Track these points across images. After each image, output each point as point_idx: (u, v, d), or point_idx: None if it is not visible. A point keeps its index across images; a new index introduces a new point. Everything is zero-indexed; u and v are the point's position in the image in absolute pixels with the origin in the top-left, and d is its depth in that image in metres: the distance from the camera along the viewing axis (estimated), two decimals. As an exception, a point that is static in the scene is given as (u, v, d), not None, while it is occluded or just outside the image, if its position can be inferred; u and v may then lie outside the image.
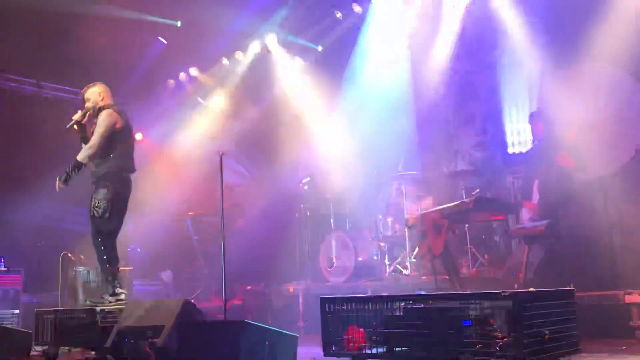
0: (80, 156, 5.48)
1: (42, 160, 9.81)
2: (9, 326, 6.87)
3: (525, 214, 6.40)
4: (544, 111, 7.17)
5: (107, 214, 5.45)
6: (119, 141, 5.63)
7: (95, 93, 5.77)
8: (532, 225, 6.22)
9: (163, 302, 4.39)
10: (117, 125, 5.61)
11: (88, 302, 5.46)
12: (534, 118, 6.75)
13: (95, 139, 5.50)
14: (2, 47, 8.84)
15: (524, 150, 8.16)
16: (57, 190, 5.50)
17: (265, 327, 3.73)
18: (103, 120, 5.56)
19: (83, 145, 5.75)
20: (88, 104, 5.78)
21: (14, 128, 10.01)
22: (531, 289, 3.30)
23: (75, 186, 5.72)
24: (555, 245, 6.01)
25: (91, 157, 5.50)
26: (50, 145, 10.07)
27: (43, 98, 10.71)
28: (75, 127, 5.70)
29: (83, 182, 5.78)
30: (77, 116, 5.72)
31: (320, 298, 3.45)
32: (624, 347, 4.80)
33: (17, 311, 8.11)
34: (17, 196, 9.59)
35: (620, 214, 6.75)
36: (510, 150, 8.49)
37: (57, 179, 5.48)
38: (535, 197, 6.31)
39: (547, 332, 2.90)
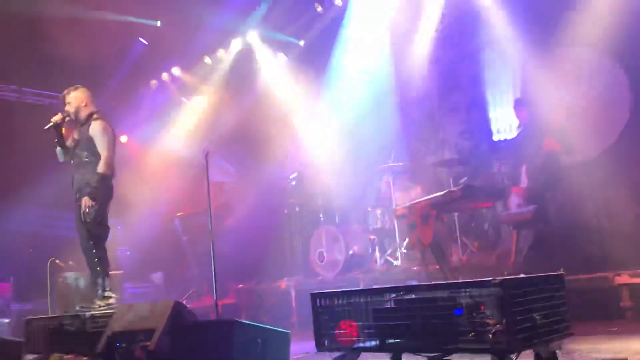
0: (103, 169, 5.52)
1: (27, 167, 9.74)
2: (-1, 336, 6.81)
3: (513, 200, 6.42)
4: (527, 97, 7.19)
5: (98, 219, 5.50)
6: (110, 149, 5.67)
7: (77, 98, 5.75)
8: (519, 211, 6.25)
9: (153, 305, 4.35)
10: (111, 137, 5.67)
11: (78, 308, 5.42)
12: (518, 104, 6.77)
13: (107, 152, 5.56)
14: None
15: (509, 137, 8.19)
16: (88, 207, 5.44)
17: (257, 325, 3.71)
18: (103, 133, 5.61)
19: (58, 148, 5.74)
20: (68, 108, 5.74)
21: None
22: (521, 275, 3.31)
23: (61, 193, 5.69)
24: (543, 230, 6.04)
25: (112, 168, 5.60)
26: (34, 151, 9.99)
27: (25, 104, 10.60)
28: (53, 129, 5.65)
29: (68, 188, 5.75)
30: (56, 118, 5.68)
31: (311, 293, 3.43)
32: (615, 328, 4.85)
33: (7, 320, 8.04)
34: (3, 204, 9.50)
35: (607, 197, 6.81)
36: (495, 137, 8.52)
37: (88, 198, 5.44)
38: (524, 182, 6.33)
39: (538, 317, 2.90)
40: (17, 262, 9.28)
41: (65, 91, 5.82)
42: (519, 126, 7.12)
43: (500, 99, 8.41)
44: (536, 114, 6.52)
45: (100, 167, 5.52)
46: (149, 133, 11.41)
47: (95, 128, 5.62)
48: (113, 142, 5.67)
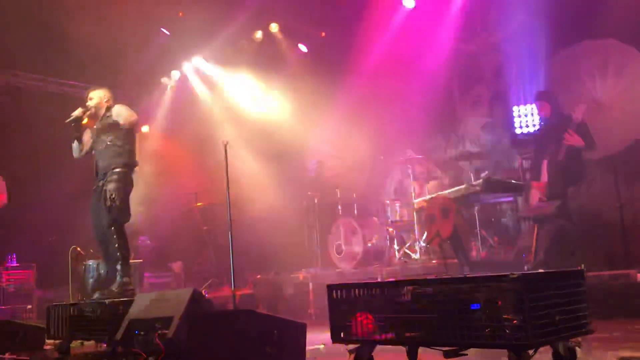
0: (123, 121, 5.62)
1: (52, 156, 9.86)
2: (22, 321, 6.93)
3: (534, 195, 6.33)
4: (550, 90, 7.07)
5: (123, 204, 5.58)
6: (132, 137, 5.80)
7: (100, 95, 5.90)
8: (541, 206, 6.16)
9: (172, 293, 4.39)
10: (134, 118, 5.74)
11: (97, 295, 5.50)
12: (540, 98, 6.65)
13: (131, 116, 5.66)
14: (7, 43, 8.84)
15: (531, 131, 8.08)
16: (115, 193, 5.53)
17: (273, 316, 3.72)
18: (127, 109, 5.72)
19: (74, 143, 5.83)
20: (90, 103, 5.85)
21: (20, 124, 10.04)
22: (540, 270, 3.27)
23: (85, 180, 5.77)
24: (565, 225, 5.95)
25: (129, 117, 5.65)
26: (58, 141, 10.12)
27: (49, 93, 10.73)
28: (73, 123, 5.74)
29: (90, 176, 5.81)
30: (77, 112, 5.79)
31: (327, 285, 3.42)
32: (637, 327, 4.77)
33: (29, 306, 8.18)
34: (28, 192, 9.65)
35: (631, 193, 6.70)
36: (518, 131, 8.41)
37: (114, 182, 5.55)
38: (544, 177, 6.24)
39: (557, 313, 2.86)
40: (40, 249, 9.42)
41: (90, 88, 6.00)
42: (540, 120, 6.99)
43: (523, 93, 8.30)
44: (558, 108, 6.40)
45: (122, 121, 5.60)
46: (170, 123, 11.47)
47: (117, 108, 5.73)
48: (134, 116, 5.73)
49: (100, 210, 5.64)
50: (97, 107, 5.86)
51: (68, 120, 5.76)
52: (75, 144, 5.88)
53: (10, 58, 9.65)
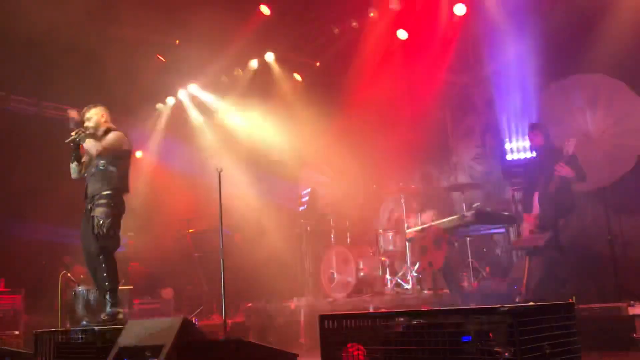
0: (90, 141, 5.53)
1: (43, 179, 9.84)
2: (9, 347, 6.83)
3: (526, 227, 6.37)
4: (542, 122, 7.16)
5: (111, 231, 5.47)
6: (124, 162, 5.72)
7: (97, 114, 5.81)
8: (532, 238, 6.20)
9: (162, 321, 4.35)
10: (125, 147, 5.70)
11: (85, 322, 5.43)
12: (532, 129, 6.74)
13: (108, 142, 5.58)
14: (2, 67, 8.89)
15: (522, 161, 8.15)
16: (102, 220, 5.47)
17: (264, 346, 3.71)
18: (114, 138, 5.65)
19: (73, 164, 5.77)
20: (88, 123, 5.78)
21: (15, 147, 10.03)
22: (531, 303, 3.28)
23: (75, 205, 5.72)
24: (556, 257, 5.98)
25: (92, 148, 5.55)
26: (51, 164, 10.11)
27: (43, 117, 10.75)
28: (72, 144, 5.71)
29: (81, 200, 5.77)
30: (75, 133, 5.71)
31: (319, 315, 3.43)
32: (627, 360, 4.77)
33: (17, 332, 8.07)
34: (18, 216, 9.59)
35: (621, 225, 6.75)
36: (509, 160, 8.47)
37: (100, 209, 5.49)
38: (535, 209, 6.28)
39: (547, 346, 2.86)
40: (30, 275, 9.33)
41: (85, 108, 5.87)
42: (532, 151, 7.06)
43: (515, 124, 8.40)
44: (550, 140, 6.49)
45: (90, 141, 5.54)
46: (163, 150, 11.50)
47: (110, 135, 5.67)
48: (119, 145, 5.63)
49: (89, 236, 5.56)
50: (96, 127, 5.76)
51: (68, 140, 5.66)
52: (74, 165, 5.78)
53: (4, 81, 9.68)
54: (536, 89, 7.99)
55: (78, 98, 6.17)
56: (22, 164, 9.92)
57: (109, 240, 5.47)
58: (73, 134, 5.68)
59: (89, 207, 5.56)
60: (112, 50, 9.16)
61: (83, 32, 8.80)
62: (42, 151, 10.18)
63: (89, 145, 5.55)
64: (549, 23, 7.62)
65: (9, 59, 8.76)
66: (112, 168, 5.62)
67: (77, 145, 5.74)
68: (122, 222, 5.72)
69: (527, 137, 7.36)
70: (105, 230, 5.42)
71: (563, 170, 5.98)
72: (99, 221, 5.42)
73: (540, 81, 7.91)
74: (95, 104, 5.92)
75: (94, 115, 5.79)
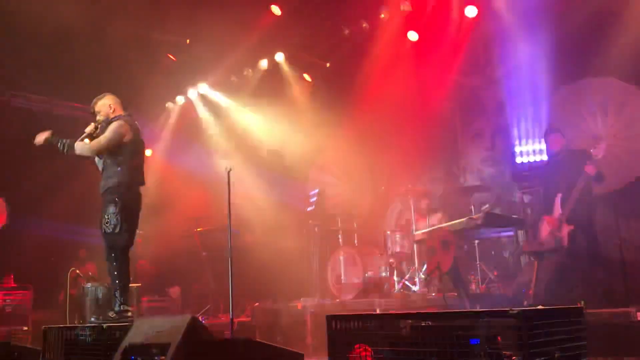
0: (79, 145, 5.50)
1: (52, 177, 9.91)
2: (18, 343, 6.88)
3: (545, 228, 6.28)
4: (560, 126, 7.08)
5: (117, 229, 5.37)
6: (128, 154, 5.54)
7: (105, 105, 5.73)
8: (551, 240, 6.12)
9: (169, 319, 4.36)
10: (126, 138, 5.51)
11: (92, 319, 5.45)
12: (553, 132, 6.62)
13: (100, 141, 5.48)
14: (12, 64, 8.94)
15: (533, 164, 8.11)
16: (36, 142, 5.60)
17: (271, 345, 3.71)
18: (111, 130, 5.50)
19: (96, 158, 5.70)
20: (99, 117, 5.75)
21: (25, 145, 10.09)
22: (539, 307, 3.27)
23: (84, 203, 5.74)
24: (565, 261, 5.95)
25: (85, 152, 5.52)
26: (60, 162, 10.17)
27: (54, 115, 10.81)
28: (88, 140, 5.68)
29: (96, 198, 5.75)
30: (89, 129, 5.68)
31: (327, 316, 3.42)
32: (636, 366, 4.73)
33: (25, 328, 8.12)
34: (28, 212, 9.66)
35: (631, 230, 6.70)
36: (518, 163, 8.43)
37: (49, 135, 5.57)
38: (557, 211, 6.18)
39: (556, 350, 2.85)
40: (39, 271, 9.39)
41: (93, 101, 5.82)
42: (551, 154, 6.90)
43: (525, 127, 8.37)
44: (569, 143, 6.43)
45: (79, 143, 5.49)
46: (173, 148, 11.53)
47: (110, 126, 5.54)
48: (116, 137, 5.47)
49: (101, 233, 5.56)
50: (106, 118, 5.70)
51: (81, 138, 5.63)
52: (96, 159, 5.72)
53: (16, 80, 9.74)
54: (547, 92, 7.95)
55: (88, 96, 6.18)
56: (33, 162, 9.97)
57: (116, 238, 5.39)
58: (85, 130, 5.69)
59: (102, 202, 5.51)
60: (123, 49, 9.21)
61: (94, 31, 8.87)
62: (53, 149, 10.24)
63: (79, 149, 5.49)
64: (561, 26, 7.59)
65: (21, 58, 8.82)
66: (113, 162, 5.50)
67: (93, 140, 5.70)
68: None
69: (542, 141, 7.28)
70: (111, 228, 5.38)
71: (591, 169, 5.95)
72: (106, 219, 5.40)
73: (551, 84, 7.87)
74: (102, 94, 5.84)
75: (102, 108, 5.75)
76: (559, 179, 6.29)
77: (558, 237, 6.08)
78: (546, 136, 6.77)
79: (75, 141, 5.59)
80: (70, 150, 5.53)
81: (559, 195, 6.18)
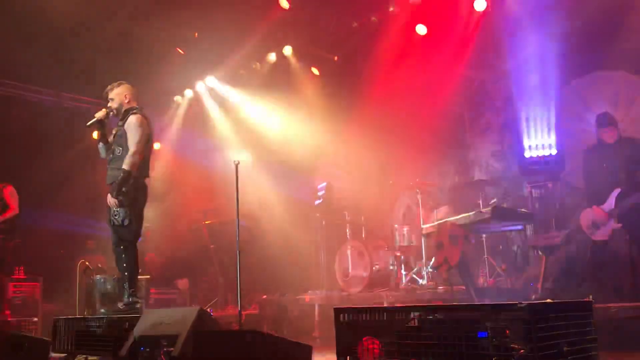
0: (127, 165, 5.37)
1: (62, 170, 9.97)
2: (28, 334, 6.94)
3: (590, 218, 6.15)
4: (568, 119, 6.95)
5: (126, 221, 5.42)
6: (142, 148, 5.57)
7: (120, 94, 5.75)
8: (597, 232, 6.04)
9: (178, 311, 4.40)
10: (145, 131, 5.57)
11: (103, 311, 5.49)
12: (610, 122, 6.36)
13: (135, 147, 5.43)
14: (21, 58, 8.98)
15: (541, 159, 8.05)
16: (113, 206, 5.40)
17: (279, 338, 3.72)
18: (137, 127, 5.50)
19: (100, 144, 5.74)
20: (112, 104, 5.75)
21: (34, 138, 10.16)
22: (548, 300, 3.26)
23: (94, 194, 5.76)
24: (574, 255, 5.93)
25: (136, 164, 5.44)
26: (69, 155, 10.24)
27: (63, 108, 10.87)
28: (97, 125, 5.70)
29: (104, 190, 5.75)
30: (100, 114, 5.69)
31: (334, 308, 3.43)
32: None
33: (35, 319, 8.18)
34: (37, 205, 9.71)
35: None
36: (527, 157, 8.37)
37: (109, 195, 5.39)
38: (609, 205, 6.07)
39: (564, 344, 2.85)
40: (49, 262, 9.45)
41: (109, 87, 5.82)
42: (605, 145, 6.46)
43: (534, 121, 8.32)
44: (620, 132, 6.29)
45: (125, 163, 5.36)
46: (181, 141, 11.56)
47: (131, 121, 5.52)
48: (146, 137, 5.51)
49: (110, 225, 5.59)
50: (119, 108, 5.72)
51: (89, 123, 5.66)
52: (100, 145, 5.75)
53: (26, 72, 9.79)
54: (556, 85, 7.90)
55: (96, 89, 6.20)
56: (42, 154, 10.03)
57: (125, 230, 5.44)
58: (96, 114, 5.68)
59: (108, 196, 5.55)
60: (132, 43, 9.23)
61: (102, 25, 8.89)
62: (62, 142, 10.30)
63: (128, 164, 5.39)
64: (570, 19, 7.54)
65: (29, 51, 8.85)
66: (123, 153, 5.48)
67: (103, 127, 5.73)
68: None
69: (551, 134, 7.18)
70: (119, 221, 5.40)
71: None
72: (114, 211, 5.42)
73: (560, 78, 7.81)
74: (120, 82, 5.85)
75: (117, 96, 5.76)
76: (614, 172, 6.10)
77: (599, 231, 5.95)
78: (602, 127, 6.38)
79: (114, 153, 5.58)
80: (128, 177, 5.39)
81: (617, 190, 6.01)
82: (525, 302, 2.72)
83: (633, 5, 7.03)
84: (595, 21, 7.28)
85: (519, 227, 7.61)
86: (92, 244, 9.71)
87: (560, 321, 2.86)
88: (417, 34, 9.25)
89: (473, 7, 8.55)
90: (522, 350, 2.65)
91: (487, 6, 8.44)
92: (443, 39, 8.97)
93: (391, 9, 9.15)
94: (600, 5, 7.13)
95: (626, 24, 7.02)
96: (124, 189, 5.37)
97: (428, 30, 9.14)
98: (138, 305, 5.40)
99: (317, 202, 9.61)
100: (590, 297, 3.55)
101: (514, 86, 8.47)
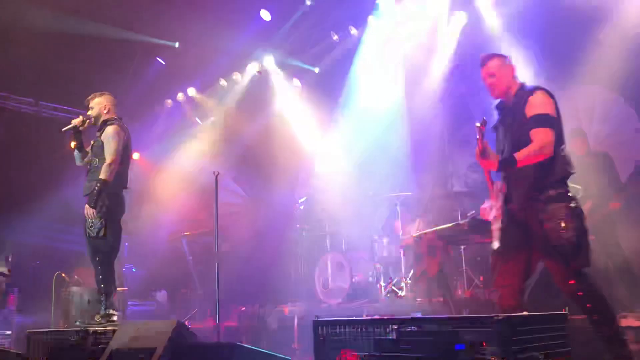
0: (103, 174, 5.34)
1: (40, 180, 9.84)
2: (1, 347, 6.81)
3: None
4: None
5: (101, 233, 5.35)
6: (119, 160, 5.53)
7: (100, 104, 5.71)
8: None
9: (155, 324, 4.35)
10: (123, 143, 5.53)
11: (78, 323, 5.41)
12: (579, 134, 6.56)
13: (112, 156, 5.40)
14: (1, 67, 8.89)
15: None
16: (90, 217, 5.35)
17: (257, 350, 3.71)
18: (113, 137, 5.46)
19: (76, 151, 5.71)
20: (90, 112, 5.73)
21: (12, 147, 10.03)
22: (524, 313, 3.29)
23: (71, 206, 5.70)
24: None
25: (113, 174, 5.40)
26: (47, 164, 10.11)
27: (41, 118, 10.76)
28: (72, 131, 5.67)
29: (81, 201, 5.70)
30: (76, 121, 5.68)
31: (313, 320, 3.43)
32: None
33: (9, 332, 8.04)
34: (13, 216, 9.58)
35: (615, 236, 6.76)
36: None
37: (87, 206, 5.34)
38: None
39: (541, 356, 2.88)
40: (24, 274, 9.30)
41: (91, 96, 5.79)
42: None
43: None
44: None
45: (102, 172, 5.33)
46: (161, 152, 11.50)
47: (108, 132, 5.49)
48: (123, 147, 5.49)
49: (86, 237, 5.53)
50: (97, 118, 5.68)
51: (65, 128, 5.63)
52: (76, 152, 5.71)
53: (3, 82, 9.69)
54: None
55: (76, 99, 6.16)
56: (20, 164, 9.90)
57: (101, 242, 5.38)
58: (72, 121, 5.66)
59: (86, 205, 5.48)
60: (112, 52, 9.19)
61: (83, 35, 8.84)
62: (40, 152, 10.19)
63: (105, 174, 5.36)
64: (548, 34, 7.66)
65: (8, 60, 8.77)
66: (100, 164, 5.42)
67: (79, 134, 5.70)
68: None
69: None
70: (95, 232, 5.35)
71: None
72: (89, 223, 5.36)
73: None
74: (102, 92, 5.82)
75: (96, 105, 5.72)
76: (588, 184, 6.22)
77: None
78: (570, 140, 6.59)
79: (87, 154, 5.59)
80: (105, 186, 5.35)
81: (589, 202, 6.12)
82: (502, 315, 2.75)
83: (609, 21, 7.17)
84: (572, 36, 7.41)
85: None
86: (70, 255, 9.57)
87: (537, 333, 2.90)
88: (397, 45, 9.36)
89: (452, 20, 8.69)
90: (498, 363, 2.67)
91: (466, 20, 8.58)
92: (422, 51, 9.08)
93: (371, 21, 9.26)
94: (577, 21, 7.26)
95: (603, 40, 7.16)
96: (100, 199, 5.31)
97: (408, 42, 9.25)
98: (115, 318, 5.33)
99: (297, 212, 9.61)
100: (566, 309, 3.59)
101: (491, 99, 8.55)
